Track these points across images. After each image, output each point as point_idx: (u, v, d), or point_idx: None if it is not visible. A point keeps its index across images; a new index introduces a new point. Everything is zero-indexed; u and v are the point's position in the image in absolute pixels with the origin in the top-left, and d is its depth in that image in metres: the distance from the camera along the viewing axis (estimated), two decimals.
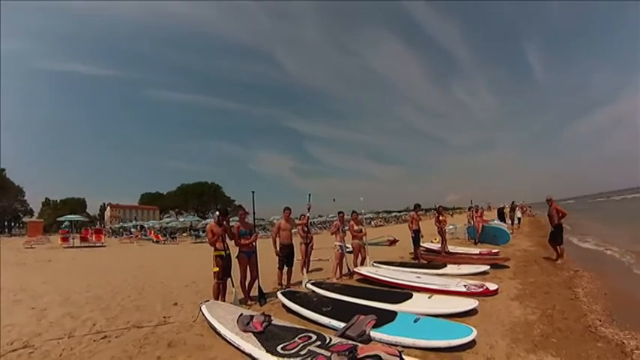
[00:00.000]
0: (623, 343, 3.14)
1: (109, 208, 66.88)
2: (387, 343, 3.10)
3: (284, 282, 6.14)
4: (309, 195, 6.73)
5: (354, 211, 7.62)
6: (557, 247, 7.54)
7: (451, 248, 9.76)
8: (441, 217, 9.73)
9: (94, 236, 22.39)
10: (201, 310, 4.14)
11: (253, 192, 5.66)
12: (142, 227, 32.79)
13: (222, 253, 4.90)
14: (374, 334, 3.31)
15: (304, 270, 6.46)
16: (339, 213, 7.45)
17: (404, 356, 2.61)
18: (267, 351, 2.95)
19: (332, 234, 7.27)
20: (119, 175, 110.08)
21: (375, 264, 7.36)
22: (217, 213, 5.13)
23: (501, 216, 17.54)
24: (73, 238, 20.85)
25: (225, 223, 5.01)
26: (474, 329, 3.22)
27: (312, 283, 5.63)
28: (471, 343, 3.09)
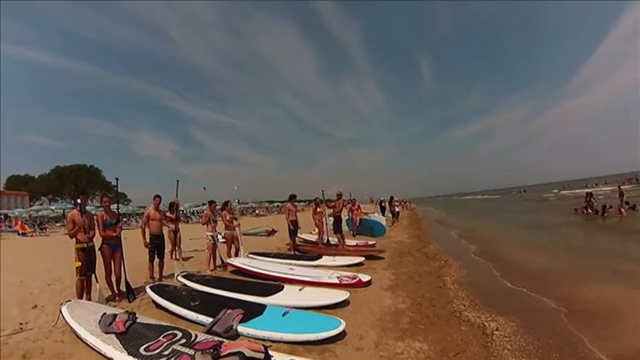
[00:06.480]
0: (485, 325, 3.38)
1: None
2: (255, 338, 3.03)
3: (156, 275, 5.81)
4: (177, 181, 6.65)
5: (226, 201, 7.54)
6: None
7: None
8: (318, 209, 9.50)
9: None
10: (61, 311, 3.63)
11: (117, 179, 5.63)
12: (7, 217, 28.23)
13: (84, 245, 4.38)
14: (241, 329, 3.18)
15: (175, 261, 6.28)
16: (210, 202, 7.31)
17: (271, 351, 2.54)
18: (129, 353, 2.71)
19: (203, 224, 7.07)
20: None
21: (250, 255, 7.23)
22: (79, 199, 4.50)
23: (383, 209, 18.81)
24: None
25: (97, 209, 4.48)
26: (342, 321, 3.20)
27: (184, 276, 5.33)
28: (341, 335, 3.07)
